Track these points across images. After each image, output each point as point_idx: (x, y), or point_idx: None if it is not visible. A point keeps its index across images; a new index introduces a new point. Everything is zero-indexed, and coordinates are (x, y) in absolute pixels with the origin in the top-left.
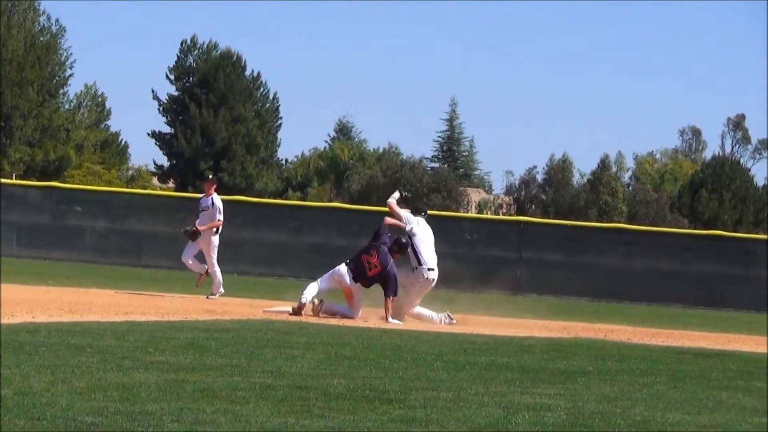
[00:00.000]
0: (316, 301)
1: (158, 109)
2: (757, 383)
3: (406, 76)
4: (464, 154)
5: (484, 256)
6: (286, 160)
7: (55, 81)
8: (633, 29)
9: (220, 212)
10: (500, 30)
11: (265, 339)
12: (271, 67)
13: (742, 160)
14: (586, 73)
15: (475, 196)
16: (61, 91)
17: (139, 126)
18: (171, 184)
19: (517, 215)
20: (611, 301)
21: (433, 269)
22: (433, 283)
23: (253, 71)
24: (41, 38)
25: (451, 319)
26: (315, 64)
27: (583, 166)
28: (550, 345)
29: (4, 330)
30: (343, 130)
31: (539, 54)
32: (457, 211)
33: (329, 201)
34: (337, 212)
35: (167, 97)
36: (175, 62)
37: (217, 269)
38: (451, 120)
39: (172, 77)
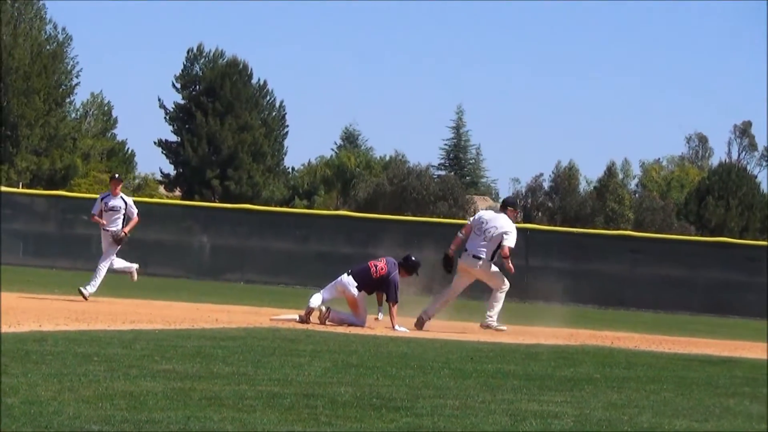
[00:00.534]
0: (323, 308)
1: (165, 117)
2: (764, 390)
3: (412, 83)
4: (471, 161)
5: None
6: (293, 169)
7: (61, 90)
8: (640, 37)
9: (135, 209)
10: (507, 38)
11: (272, 347)
12: (277, 75)
13: (748, 167)
14: (592, 80)
15: (482, 203)
16: (68, 100)
17: (145, 134)
18: (177, 193)
19: (524, 222)
20: (618, 308)
21: (477, 257)
22: (475, 269)
23: (259, 79)
24: (48, 47)
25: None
26: (321, 72)
27: (590, 174)
28: (556, 352)
29: (11, 339)
30: (350, 138)
31: (546, 61)
32: (464, 218)
33: (336, 209)
34: (344, 220)
35: (174, 106)
36: (182, 71)
37: (105, 271)
38: (458, 128)
39: (178, 86)
